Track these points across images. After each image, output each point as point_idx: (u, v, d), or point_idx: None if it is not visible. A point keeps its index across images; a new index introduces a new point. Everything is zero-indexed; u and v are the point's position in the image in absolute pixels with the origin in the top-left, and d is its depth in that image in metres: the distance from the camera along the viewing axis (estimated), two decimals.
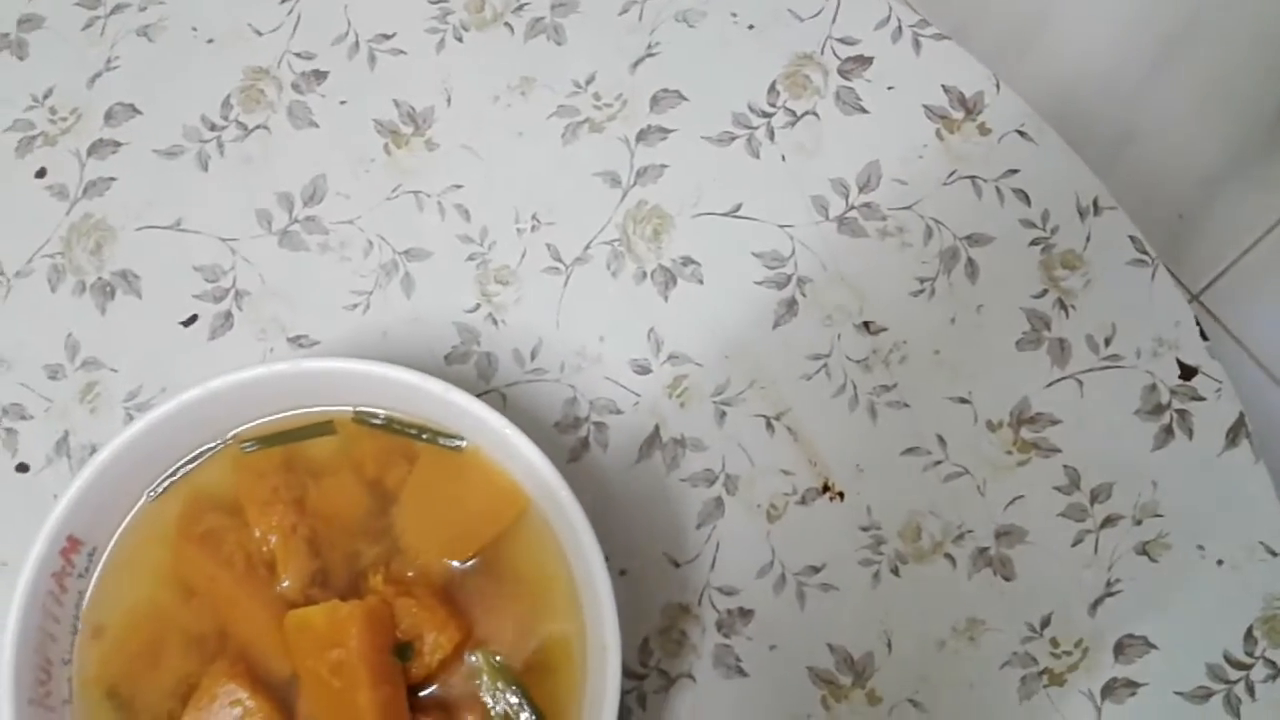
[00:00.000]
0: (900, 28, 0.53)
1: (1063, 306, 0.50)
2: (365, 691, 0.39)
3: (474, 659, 0.42)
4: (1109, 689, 0.47)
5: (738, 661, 0.47)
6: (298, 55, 0.54)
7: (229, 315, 0.51)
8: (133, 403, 0.50)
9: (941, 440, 0.49)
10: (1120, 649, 0.47)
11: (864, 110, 0.52)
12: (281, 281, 0.51)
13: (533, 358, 0.50)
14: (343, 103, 0.53)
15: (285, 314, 0.51)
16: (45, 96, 0.54)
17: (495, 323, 0.50)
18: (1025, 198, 0.51)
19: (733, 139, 0.52)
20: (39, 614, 0.41)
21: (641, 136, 0.52)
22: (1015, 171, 0.52)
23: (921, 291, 0.50)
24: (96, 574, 0.43)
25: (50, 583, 0.41)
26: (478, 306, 0.51)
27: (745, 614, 0.48)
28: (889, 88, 0.53)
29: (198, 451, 0.44)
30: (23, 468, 0.50)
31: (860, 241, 0.51)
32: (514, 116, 0.53)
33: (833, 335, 0.50)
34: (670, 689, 0.47)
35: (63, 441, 0.50)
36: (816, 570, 0.48)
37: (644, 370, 0.50)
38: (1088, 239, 0.51)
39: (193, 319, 0.51)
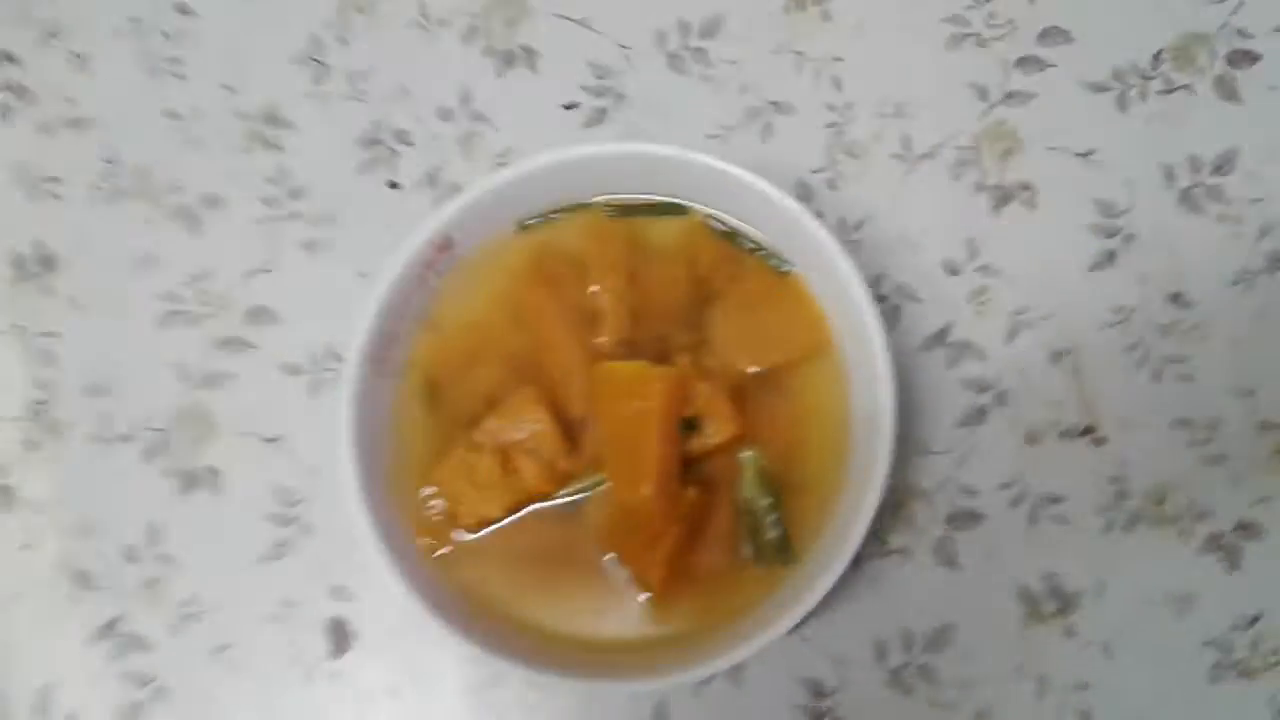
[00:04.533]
0: None
1: None
2: (653, 444, 0.44)
3: (745, 455, 0.46)
4: None
5: (955, 555, 0.51)
6: None
7: (604, 111, 0.56)
8: (504, 158, 0.56)
9: (1214, 424, 0.51)
10: None
11: (1239, 100, 0.54)
12: (663, 97, 0.56)
13: (856, 229, 0.54)
14: None
15: (657, 128, 0.55)
16: None
17: (832, 188, 0.54)
18: None
19: (1105, 89, 0.54)
20: (400, 293, 0.47)
21: (1021, 63, 0.55)
22: None
23: (1240, 282, 0.52)
24: (451, 278, 0.49)
25: (419, 269, 0.47)
26: (822, 169, 0.55)
27: (976, 516, 0.51)
28: (1270, 88, 0.54)
29: (567, 204, 0.49)
30: (394, 185, 0.56)
31: (1196, 218, 0.52)
32: (908, 12, 0.56)
33: (1142, 295, 0.52)
34: (886, 559, 0.51)
35: (434, 173, 0.56)
36: (1055, 501, 0.51)
37: (953, 271, 0.53)
38: None
39: (573, 105, 0.56)
